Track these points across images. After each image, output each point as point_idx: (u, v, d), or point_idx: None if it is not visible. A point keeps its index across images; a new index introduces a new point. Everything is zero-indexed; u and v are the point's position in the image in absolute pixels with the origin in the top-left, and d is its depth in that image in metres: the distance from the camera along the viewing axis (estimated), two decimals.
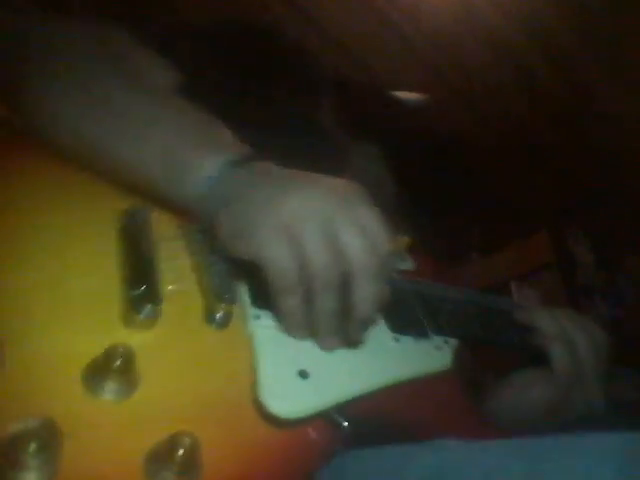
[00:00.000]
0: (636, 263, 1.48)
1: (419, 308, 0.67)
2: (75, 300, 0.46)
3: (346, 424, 0.47)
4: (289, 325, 0.50)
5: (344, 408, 0.48)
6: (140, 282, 0.47)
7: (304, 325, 0.50)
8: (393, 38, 1.52)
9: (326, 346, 0.51)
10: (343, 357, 0.53)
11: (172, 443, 0.39)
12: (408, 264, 0.76)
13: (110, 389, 0.40)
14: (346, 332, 0.52)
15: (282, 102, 0.80)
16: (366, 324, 0.52)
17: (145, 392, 0.42)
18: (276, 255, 0.47)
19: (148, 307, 0.46)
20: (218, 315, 0.50)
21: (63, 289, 0.46)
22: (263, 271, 0.48)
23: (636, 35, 1.39)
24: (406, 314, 0.64)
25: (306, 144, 0.78)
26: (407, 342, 0.60)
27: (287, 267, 0.47)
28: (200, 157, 0.52)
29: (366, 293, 0.48)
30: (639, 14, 1.34)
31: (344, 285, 0.48)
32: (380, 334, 0.59)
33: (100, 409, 0.40)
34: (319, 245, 0.47)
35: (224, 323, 0.50)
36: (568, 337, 0.66)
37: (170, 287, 0.51)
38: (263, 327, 0.51)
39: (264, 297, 0.50)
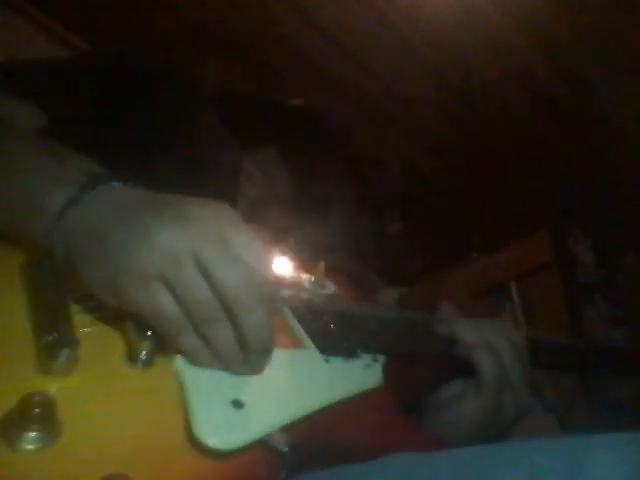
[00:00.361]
0: (636, 262, 1.48)
1: (345, 328, 0.67)
2: None
3: (286, 450, 0.46)
4: (196, 362, 0.48)
5: (283, 434, 0.47)
6: (53, 327, 0.45)
7: (212, 358, 0.48)
8: (393, 38, 1.52)
9: (246, 374, 0.50)
10: (276, 383, 0.53)
11: None
12: (328, 289, 0.76)
13: (30, 439, 0.38)
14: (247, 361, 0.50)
15: (159, 124, 0.79)
16: (263, 352, 0.50)
17: (70, 438, 0.40)
18: (150, 304, 0.45)
19: (64, 352, 0.44)
20: (142, 354, 0.48)
21: None
22: (144, 319, 0.46)
23: (636, 35, 1.39)
24: (333, 336, 0.65)
25: (191, 161, 0.78)
26: (337, 362, 0.61)
27: (167, 314, 0.45)
28: (47, 194, 0.48)
29: (249, 323, 0.47)
30: (639, 14, 1.34)
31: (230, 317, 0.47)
32: (311, 356, 0.60)
33: (20, 460, 0.38)
34: (192, 285, 0.45)
35: (149, 361, 0.48)
36: (490, 344, 0.67)
37: (87, 329, 0.49)
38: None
39: None
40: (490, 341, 0.67)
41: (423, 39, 1.53)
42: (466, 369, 0.68)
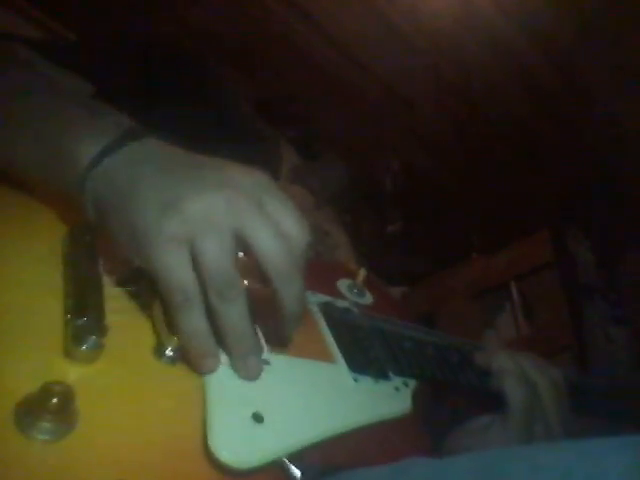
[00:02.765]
0: (636, 262, 1.48)
1: (379, 346, 0.63)
2: (15, 326, 0.42)
3: (299, 476, 0.43)
4: (189, 344, 0.45)
5: (299, 456, 0.44)
6: (83, 312, 0.43)
7: (208, 348, 0.45)
8: (393, 38, 1.52)
9: (246, 371, 0.47)
10: (299, 399, 0.49)
11: None
12: (367, 299, 0.72)
13: (43, 429, 0.36)
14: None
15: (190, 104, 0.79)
16: (297, 321, 0.48)
17: (82, 433, 0.38)
18: (169, 267, 0.42)
19: (90, 340, 0.41)
20: (168, 349, 0.45)
21: (2, 313, 0.42)
22: (157, 284, 0.43)
23: (636, 35, 1.40)
24: (366, 352, 0.60)
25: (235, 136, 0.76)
26: (366, 383, 0.56)
27: (180, 280, 0.42)
28: (80, 143, 0.47)
29: (290, 294, 0.45)
30: (639, 14, 1.34)
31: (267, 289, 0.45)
32: (339, 373, 0.55)
33: (29, 449, 0.36)
34: (221, 252, 0.42)
35: (175, 358, 0.46)
36: (526, 376, 0.64)
37: (118, 317, 0.46)
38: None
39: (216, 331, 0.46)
40: (527, 373, 0.64)
41: (423, 39, 1.52)
42: (498, 402, 0.63)
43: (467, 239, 1.81)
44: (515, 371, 0.64)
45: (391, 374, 0.60)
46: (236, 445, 0.42)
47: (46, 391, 0.37)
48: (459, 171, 1.78)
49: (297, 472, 0.43)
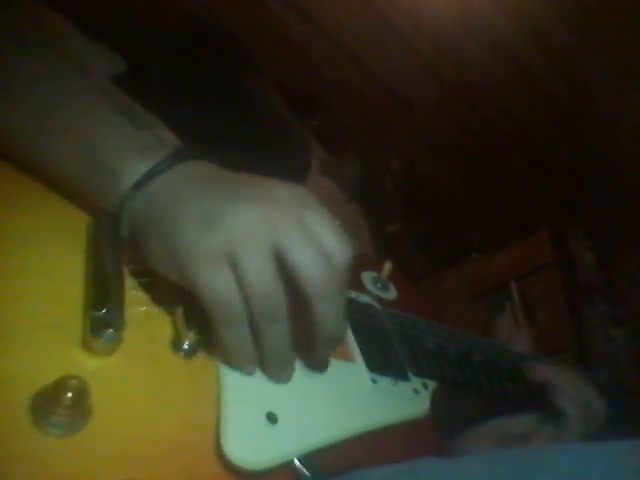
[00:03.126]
0: (636, 262, 1.48)
1: (399, 346, 0.62)
2: (36, 314, 0.42)
3: (309, 476, 0.43)
4: (232, 359, 0.45)
5: (312, 458, 0.44)
6: (102, 303, 0.42)
7: (251, 359, 0.45)
8: (393, 38, 1.52)
9: (279, 379, 0.47)
10: (315, 399, 0.48)
11: None
12: (391, 293, 0.70)
13: (55, 423, 0.36)
14: (309, 357, 0.48)
15: (226, 95, 0.77)
16: (334, 344, 0.48)
17: (95, 428, 0.38)
18: (214, 285, 0.42)
19: (108, 333, 0.41)
20: (185, 343, 0.45)
21: (20, 302, 0.42)
22: (199, 300, 0.43)
23: (636, 35, 1.39)
24: (385, 352, 0.59)
25: (262, 134, 0.75)
26: (384, 384, 0.56)
27: (227, 298, 0.42)
28: (124, 160, 0.46)
29: (328, 314, 0.44)
30: (639, 14, 1.34)
31: (302, 308, 0.44)
32: (357, 373, 0.55)
33: (40, 442, 0.36)
34: (263, 271, 0.42)
35: (192, 352, 0.46)
36: (585, 401, 0.64)
37: (137, 308, 0.46)
38: None
39: None
40: (585, 398, 0.64)
41: (423, 39, 1.52)
42: (522, 407, 0.63)
43: (467, 239, 1.81)
44: (578, 398, 0.64)
45: (411, 375, 0.59)
46: (247, 446, 0.42)
47: (60, 386, 0.36)
48: (459, 171, 1.78)
49: (308, 474, 0.43)
